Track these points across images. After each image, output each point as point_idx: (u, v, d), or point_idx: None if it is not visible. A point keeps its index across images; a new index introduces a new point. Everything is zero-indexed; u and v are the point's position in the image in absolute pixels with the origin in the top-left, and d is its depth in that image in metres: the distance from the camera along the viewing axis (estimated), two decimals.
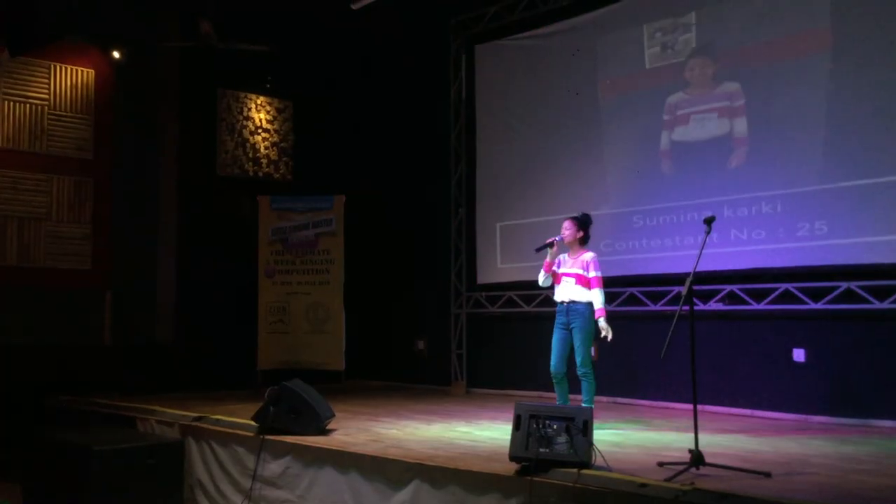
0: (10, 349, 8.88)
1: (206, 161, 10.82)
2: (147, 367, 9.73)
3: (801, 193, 7.66)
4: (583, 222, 6.86)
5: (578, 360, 6.62)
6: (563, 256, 6.85)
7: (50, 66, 9.76)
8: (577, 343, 6.65)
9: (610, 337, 6.62)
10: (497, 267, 10.11)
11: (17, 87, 9.49)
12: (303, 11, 10.45)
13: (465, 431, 6.76)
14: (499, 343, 10.09)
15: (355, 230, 10.90)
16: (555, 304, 7.03)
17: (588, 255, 6.75)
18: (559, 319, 6.78)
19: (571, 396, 6.83)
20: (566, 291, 6.73)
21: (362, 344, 10.94)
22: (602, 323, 6.60)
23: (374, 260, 11.27)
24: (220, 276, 10.52)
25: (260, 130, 11.33)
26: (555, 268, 6.83)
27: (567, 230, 6.81)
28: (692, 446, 4.86)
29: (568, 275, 6.74)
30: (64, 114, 9.82)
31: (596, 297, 6.63)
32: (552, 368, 6.75)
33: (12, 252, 9.32)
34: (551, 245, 6.80)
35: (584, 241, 6.86)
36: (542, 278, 6.90)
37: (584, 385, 6.65)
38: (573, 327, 6.67)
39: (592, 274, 6.66)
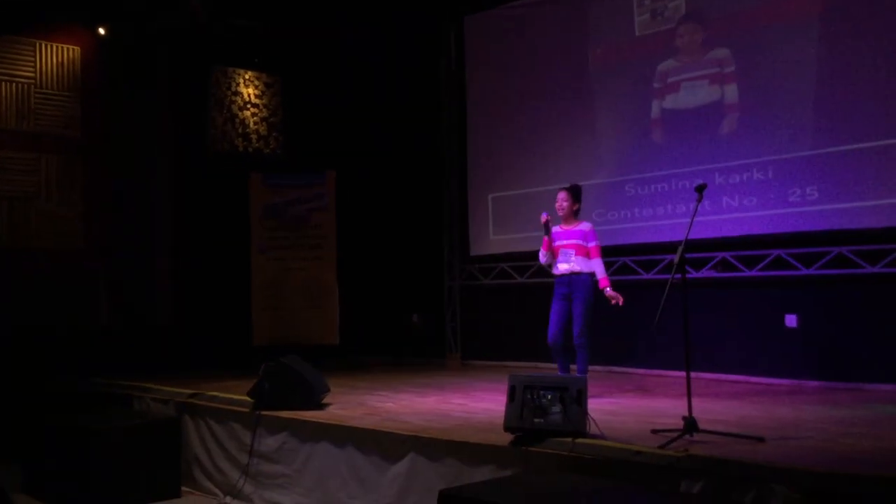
0: (5, 331, 8.86)
1: (195, 137, 10.75)
2: (142, 345, 9.73)
3: (792, 159, 7.66)
4: (576, 193, 6.86)
5: (577, 329, 6.64)
6: (556, 228, 6.85)
7: (35, 44, 9.65)
8: (576, 312, 6.66)
9: (620, 302, 6.61)
10: (490, 239, 10.11)
11: (2, 66, 9.38)
12: None
13: (460, 403, 6.79)
14: (493, 315, 10.11)
15: (348, 205, 10.86)
16: (548, 274, 7.04)
17: (586, 225, 6.77)
18: (559, 290, 6.78)
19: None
20: (567, 263, 6.72)
21: (357, 318, 10.93)
22: (609, 291, 6.61)
23: (367, 234, 11.24)
24: (214, 252, 10.49)
25: (249, 106, 11.25)
26: (552, 243, 6.82)
27: (564, 202, 6.80)
28: (686, 413, 4.88)
29: (567, 246, 6.74)
30: (51, 92, 9.73)
31: (598, 267, 6.66)
32: (550, 340, 6.77)
33: (3, 233, 9.27)
34: (548, 223, 6.77)
35: (577, 212, 6.87)
36: (544, 257, 6.83)
37: (579, 355, 6.67)
38: (574, 297, 6.67)
39: (592, 244, 6.68)
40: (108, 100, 10.10)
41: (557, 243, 6.79)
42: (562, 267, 6.77)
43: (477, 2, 10.31)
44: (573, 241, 6.72)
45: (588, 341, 6.68)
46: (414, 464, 5.27)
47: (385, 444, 5.47)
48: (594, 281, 6.69)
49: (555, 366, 7.01)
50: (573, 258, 6.70)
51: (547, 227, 6.76)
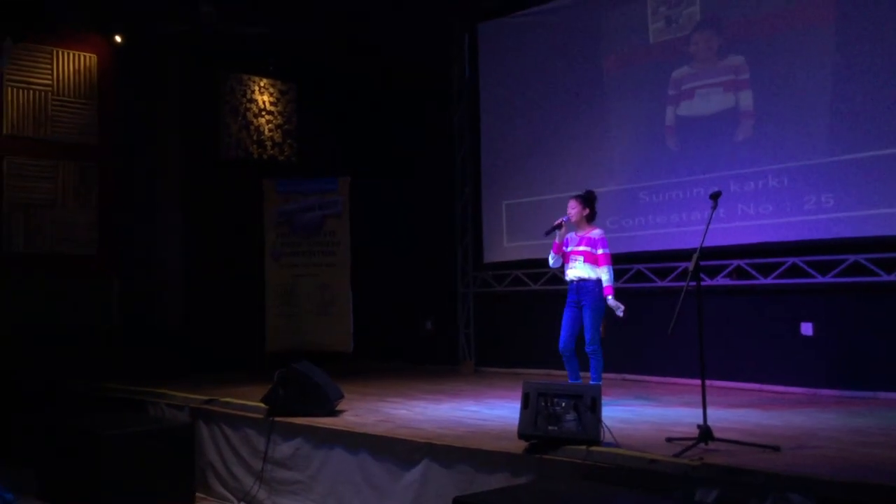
0: (20, 336, 8.92)
1: (210, 144, 10.80)
2: (156, 351, 9.76)
3: (807, 166, 7.63)
4: (588, 200, 6.86)
5: (587, 337, 6.65)
6: (571, 235, 6.86)
7: (52, 51, 9.73)
8: (586, 320, 6.67)
9: (622, 313, 6.62)
10: (503, 246, 10.10)
11: (19, 74, 9.46)
12: None
13: (474, 410, 6.78)
14: (506, 322, 10.10)
15: (361, 211, 10.88)
16: (562, 281, 7.05)
17: (596, 233, 6.76)
18: (570, 297, 6.81)
19: (580, 374, 6.85)
20: (575, 270, 6.74)
21: (370, 325, 10.95)
22: (611, 301, 6.61)
23: (381, 240, 11.26)
24: (227, 259, 10.54)
25: (264, 113, 11.30)
26: (564, 247, 6.84)
27: (573, 209, 6.82)
28: (701, 422, 4.86)
29: (577, 253, 6.75)
30: (68, 99, 9.80)
31: (604, 275, 6.64)
32: (560, 346, 6.77)
33: (19, 239, 9.33)
34: (559, 227, 6.80)
35: (591, 219, 6.86)
36: (552, 259, 6.92)
37: (592, 362, 6.68)
38: (583, 305, 6.69)
39: (601, 251, 6.67)
40: (124, 107, 10.16)
41: (570, 249, 6.81)
42: (570, 273, 6.80)
43: (491, 9, 10.33)
44: (582, 248, 6.73)
45: (600, 348, 6.68)
46: (428, 471, 5.27)
47: (399, 451, 5.47)
48: (601, 288, 6.68)
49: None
50: (581, 264, 6.72)
51: (554, 229, 6.78)
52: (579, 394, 4.83)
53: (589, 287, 6.68)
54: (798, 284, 7.68)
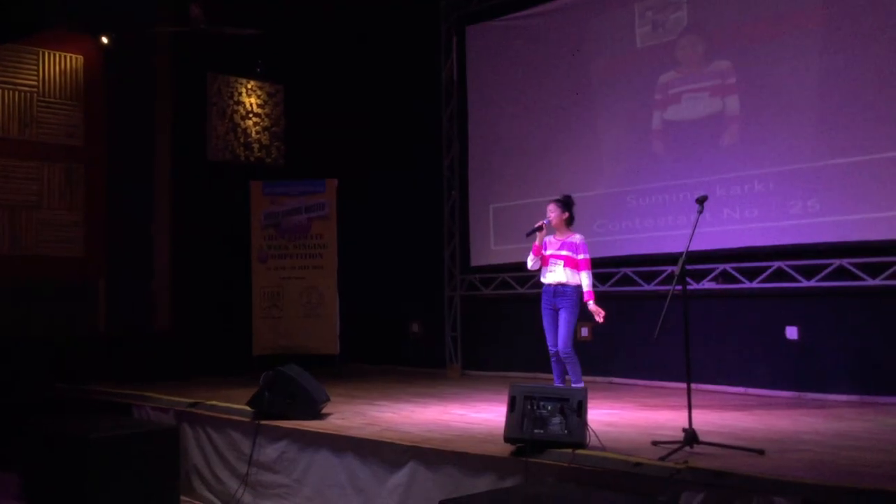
0: (5, 338, 8.85)
1: (197, 146, 10.76)
2: (142, 354, 9.71)
3: (793, 171, 7.67)
4: (566, 204, 6.86)
5: (562, 342, 6.64)
6: (550, 238, 6.85)
7: (38, 52, 9.67)
8: (562, 325, 6.66)
9: (601, 319, 6.62)
10: (491, 249, 10.11)
11: (5, 75, 9.40)
12: None
13: (460, 413, 6.78)
14: (493, 325, 10.11)
15: (348, 213, 10.87)
16: None
17: (577, 237, 6.75)
18: (546, 301, 6.80)
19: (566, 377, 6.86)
20: (555, 274, 6.73)
21: (357, 327, 10.93)
22: (592, 306, 6.60)
23: (368, 243, 11.24)
24: (214, 261, 10.49)
25: (251, 115, 11.27)
26: (542, 250, 6.84)
27: (552, 212, 6.82)
28: (686, 425, 4.88)
29: (557, 257, 6.74)
30: (53, 101, 9.75)
31: (584, 280, 6.64)
32: (551, 347, 6.77)
33: (4, 241, 9.27)
34: (540, 229, 6.80)
35: (570, 222, 6.86)
36: (531, 262, 6.90)
37: (569, 367, 6.68)
38: (560, 309, 6.69)
39: (582, 256, 6.68)
40: (111, 108, 10.11)
41: (549, 252, 6.81)
42: (549, 277, 6.79)
43: (479, 12, 10.35)
44: (563, 252, 6.73)
45: (574, 353, 6.68)
46: (414, 474, 5.26)
47: (385, 454, 5.46)
48: (580, 294, 6.69)
49: None
50: (561, 269, 6.71)
51: (535, 231, 6.79)
52: (565, 397, 4.84)
53: (567, 292, 6.68)
54: (783, 288, 7.72)
